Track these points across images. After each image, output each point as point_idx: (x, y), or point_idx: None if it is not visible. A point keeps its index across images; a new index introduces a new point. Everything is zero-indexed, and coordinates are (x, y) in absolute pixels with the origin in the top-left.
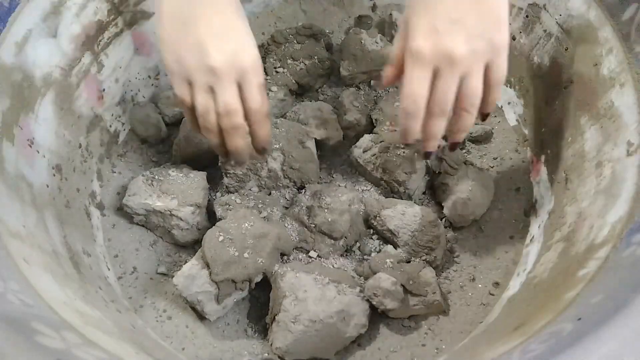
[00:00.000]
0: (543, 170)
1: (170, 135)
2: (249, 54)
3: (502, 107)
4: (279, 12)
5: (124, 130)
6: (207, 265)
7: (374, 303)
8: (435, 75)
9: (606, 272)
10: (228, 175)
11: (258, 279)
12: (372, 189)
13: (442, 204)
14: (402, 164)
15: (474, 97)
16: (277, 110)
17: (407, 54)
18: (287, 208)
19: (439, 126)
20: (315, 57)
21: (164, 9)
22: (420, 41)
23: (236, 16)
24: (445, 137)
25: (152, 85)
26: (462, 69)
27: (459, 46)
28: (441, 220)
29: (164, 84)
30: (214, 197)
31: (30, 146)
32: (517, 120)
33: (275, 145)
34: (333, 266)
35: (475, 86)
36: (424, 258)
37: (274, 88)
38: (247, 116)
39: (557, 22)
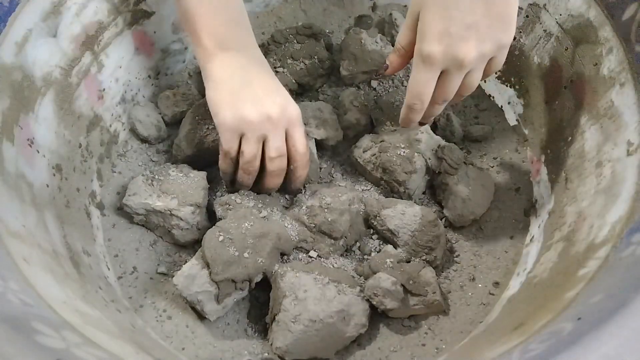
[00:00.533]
0: (543, 170)
1: (170, 135)
2: (294, 107)
3: (502, 107)
4: (279, 11)
5: (124, 130)
6: (207, 265)
7: (374, 303)
8: (442, 73)
9: (606, 271)
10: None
11: (258, 278)
12: (372, 188)
13: (442, 204)
14: (402, 163)
15: (473, 87)
16: None
17: (417, 55)
18: (287, 208)
19: (439, 109)
20: (315, 57)
21: (219, 75)
22: (433, 45)
23: (276, 78)
24: (445, 138)
25: (152, 85)
26: (469, 68)
27: (470, 51)
28: (441, 220)
29: (164, 83)
30: (214, 197)
31: (30, 146)
32: (517, 120)
33: None
34: (333, 266)
35: (477, 78)
36: (424, 258)
37: None
38: (292, 160)
39: (557, 22)
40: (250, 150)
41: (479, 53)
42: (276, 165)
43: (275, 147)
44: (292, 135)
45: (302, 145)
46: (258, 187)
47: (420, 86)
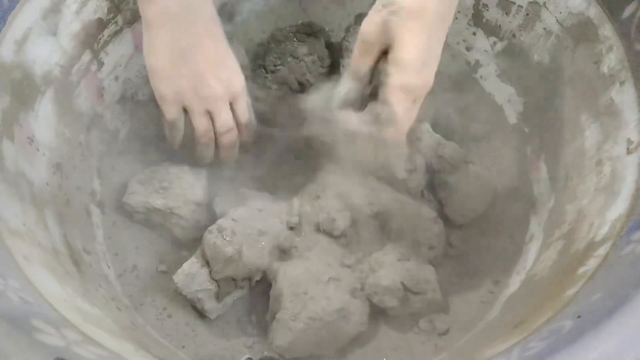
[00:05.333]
0: (543, 168)
1: None
2: (239, 80)
3: (502, 105)
4: (279, 10)
5: (124, 128)
6: (207, 264)
7: (374, 301)
8: None
9: (606, 269)
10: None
11: (258, 277)
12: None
13: (442, 202)
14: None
15: None
16: (277, 108)
17: (399, 87)
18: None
19: None
20: (315, 55)
21: (157, 42)
22: (415, 78)
23: (225, 45)
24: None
25: None
26: None
27: (432, 80)
28: (441, 218)
29: None
30: (214, 195)
31: (30, 144)
32: (517, 118)
33: None
34: (333, 264)
35: None
36: (424, 256)
37: (274, 86)
38: (238, 130)
39: (557, 20)
40: (201, 124)
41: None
42: (227, 139)
43: (222, 120)
44: (236, 107)
45: (244, 117)
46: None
47: (411, 118)
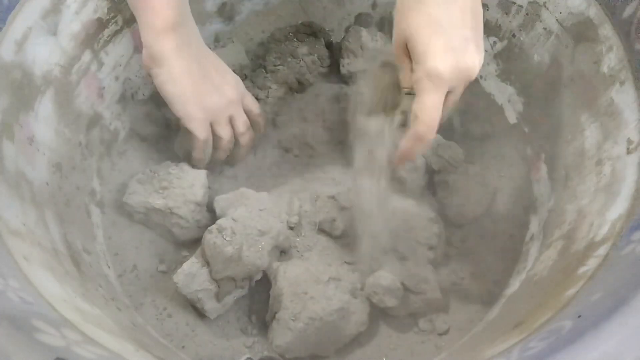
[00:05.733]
0: (543, 168)
1: (171, 134)
2: (238, 78)
3: (502, 105)
4: (279, 10)
5: (124, 128)
6: (207, 263)
7: (374, 301)
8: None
9: (606, 269)
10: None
11: (258, 276)
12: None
13: (442, 202)
14: None
15: (455, 104)
16: (277, 108)
17: (423, 77)
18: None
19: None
20: (315, 55)
21: (177, 71)
22: (440, 62)
23: (212, 52)
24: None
25: (152, 83)
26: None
27: (475, 63)
28: (441, 218)
29: None
30: (214, 195)
31: (30, 144)
32: (517, 118)
33: None
34: (333, 264)
35: (459, 94)
36: (423, 256)
37: (274, 86)
38: (252, 123)
39: (557, 20)
40: (227, 132)
41: (480, 61)
42: (247, 136)
43: (242, 122)
44: (246, 104)
45: (256, 108)
46: (228, 159)
47: (435, 111)
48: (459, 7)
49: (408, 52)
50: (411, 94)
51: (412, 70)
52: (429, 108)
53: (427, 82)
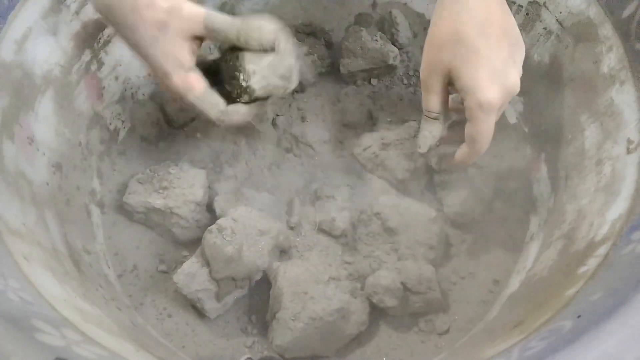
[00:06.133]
0: (543, 168)
1: (171, 134)
2: None
3: None
4: (279, 9)
5: (124, 128)
6: (207, 263)
7: (374, 301)
8: None
9: (606, 269)
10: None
11: (258, 276)
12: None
13: (442, 202)
14: (402, 161)
15: None
16: (277, 108)
17: (475, 107)
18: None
19: None
20: (315, 55)
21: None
22: (490, 92)
23: None
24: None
25: (152, 83)
26: None
27: (517, 78)
28: (441, 218)
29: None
30: (214, 195)
31: (30, 144)
32: (517, 118)
33: None
34: (333, 264)
35: None
36: (423, 255)
37: None
38: None
39: (557, 20)
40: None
41: (520, 76)
42: None
43: None
44: None
45: None
46: None
47: (490, 132)
48: (494, 33)
49: (442, 79)
50: (437, 119)
51: (439, 95)
52: (486, 131)
53: (480, 112)
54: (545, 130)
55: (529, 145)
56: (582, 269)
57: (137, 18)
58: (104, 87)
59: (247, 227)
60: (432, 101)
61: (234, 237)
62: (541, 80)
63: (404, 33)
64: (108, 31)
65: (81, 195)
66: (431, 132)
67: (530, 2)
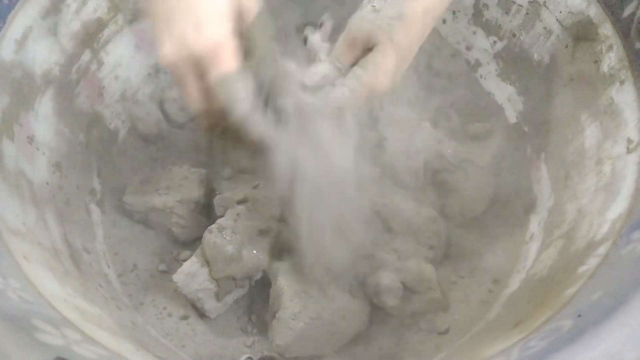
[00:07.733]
0: (543, 167)
1: (171, 134)
2: None
3: (502, 104)
4: (279, 9)
5: (124, 127)
6: (207, 263)
7: (374, 300)
8: None
9: (606, 269)
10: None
11: (258, 276)
12: None
13: (442, 202)
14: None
15: None
16: None
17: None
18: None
19: None
20: None
21: None
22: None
23: None
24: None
25: (152, 82)
26: None
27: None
28: (441, 218)
29: (164, 81)
30: (214, 194)
31: (30, 143)
32: (517, 117)
33: None
34: None
35: None
36: (423, 255)
37: None
38: None
39: (557, 19)
40: None
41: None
42: None
43: None
44: None
45: None
46: None
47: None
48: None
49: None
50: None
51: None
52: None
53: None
54: (545, 130)
55: (528, 145)
56: (582, 269)
57: None
58: (104, 87)
59: (247, 227)
60: (348, 56)
61: (234, 236)
62: (541, 79)
63: None
64: (108, 31)
65: (81, 194)
66: (326, 76)
67: (530, 1)
